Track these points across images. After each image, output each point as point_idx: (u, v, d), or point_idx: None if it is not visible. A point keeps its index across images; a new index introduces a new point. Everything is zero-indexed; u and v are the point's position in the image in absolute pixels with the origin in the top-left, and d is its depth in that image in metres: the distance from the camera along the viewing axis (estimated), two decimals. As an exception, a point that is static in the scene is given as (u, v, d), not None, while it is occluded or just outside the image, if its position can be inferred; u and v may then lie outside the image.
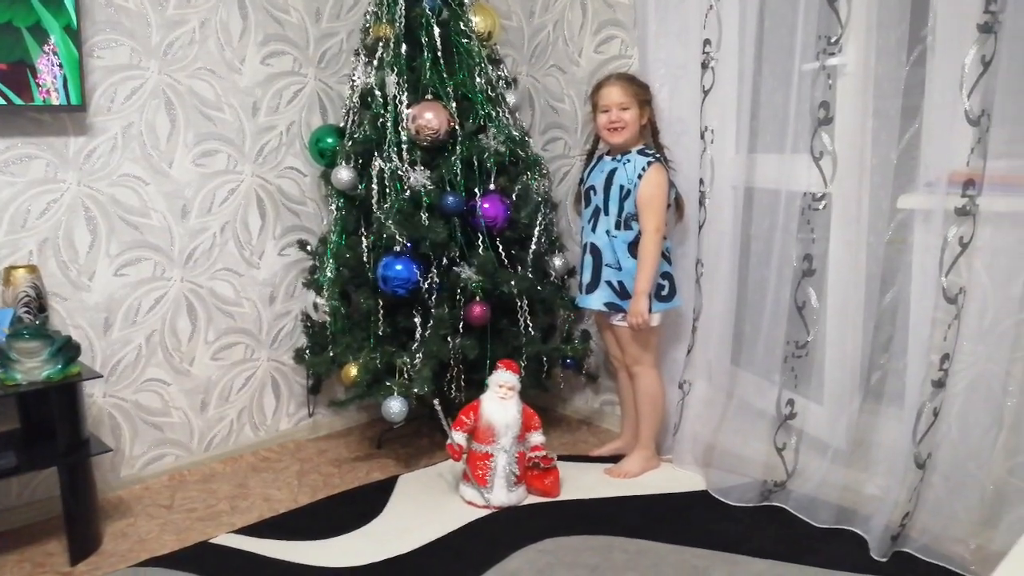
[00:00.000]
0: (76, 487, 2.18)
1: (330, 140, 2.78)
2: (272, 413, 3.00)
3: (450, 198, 2.55)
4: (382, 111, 2.62)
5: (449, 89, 2.63)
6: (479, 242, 2.63)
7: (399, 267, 2.49)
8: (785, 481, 2.40)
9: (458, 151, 2.62)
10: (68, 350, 2.12)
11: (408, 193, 2.55)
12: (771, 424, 2.43)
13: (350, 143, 2.66)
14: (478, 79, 2.70)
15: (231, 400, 2.89)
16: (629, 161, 2.50)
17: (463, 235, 2.63)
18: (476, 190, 2.63)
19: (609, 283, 2.55)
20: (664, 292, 2.54)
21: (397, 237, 2.49)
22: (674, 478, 2.62)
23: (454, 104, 2.63)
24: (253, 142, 2.82)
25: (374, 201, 2.59)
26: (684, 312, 2.66)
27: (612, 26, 2.87)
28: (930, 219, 1.98)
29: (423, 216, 2.54)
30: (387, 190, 2.58)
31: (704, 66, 2.48)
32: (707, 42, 2.46)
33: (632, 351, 2.62)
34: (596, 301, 2.59)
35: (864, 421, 2.29)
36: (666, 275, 2.55)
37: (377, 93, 2.64)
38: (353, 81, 2.75)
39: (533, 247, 2.73)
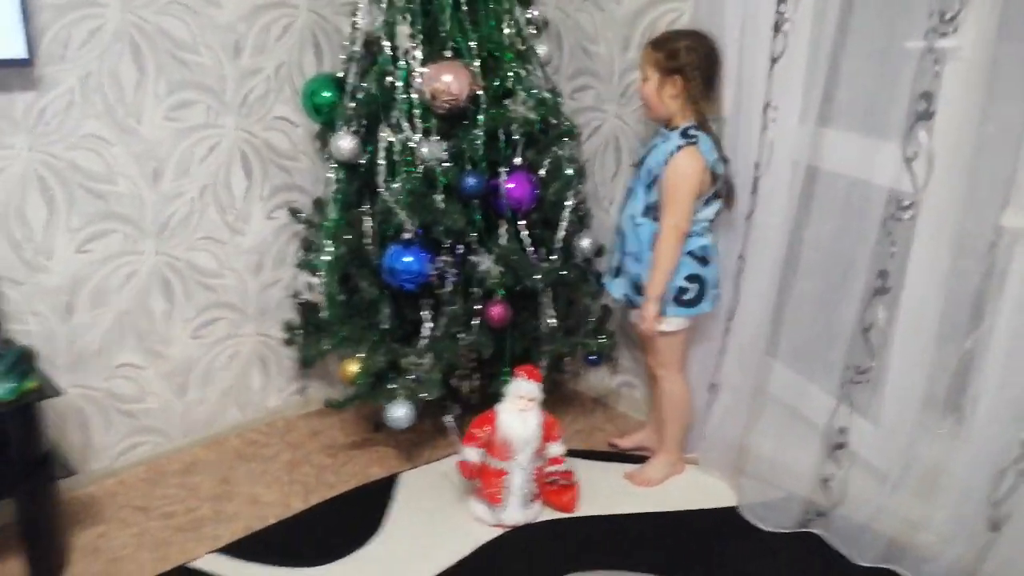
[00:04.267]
0: (35, 515, 1.90)
1: (327, 94, 2.35)
2: (259, 390, 2.72)
3: (471, 179, 2.17)
4: (390, 66, 2.20)
5: (472, 44, 2.21)
6: (501, 228, 2.28)
7: (409, 259, 2.15)
8: (829, 508, 2.19)
9: (481, 121, 2.22)
10: (22, 363, 1.81)
11: (421, 169, 2.17)
12: (817, 440, 2.18)
13: (352, 104, 2.25)
14: (506, 28, 2.27)
15: (214, 380, 2.59)
16: (667, 141, 2.14)
17: (483, 218, 2.28)
18: (500, 166, 2.26)
19: (628, 274, 2.27)
20: (687, 296, 2.21)
21: (407, 224, 2.14)
22: (700, 487, 2.41)
23: (478, 62, 2.21)
24: (236, 89, 2.40)
25: (381, 179, 2.21)
26: (718, 312, 2.36)
27: (664, -41, 2.41)
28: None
29: (438, 198, 2.17)
30: (395, 166, 2.20)
31: (776, 28, 2.08)
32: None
33: (654, 353, 2.36)
34: (617, 289, 2.33)
35: (932, 454, 2.05)
36: (694, 277, 2.20)
37: (385, 44, 2.20)
38: (355, 22, 2.30)
39: (562, 233, 2.38)
